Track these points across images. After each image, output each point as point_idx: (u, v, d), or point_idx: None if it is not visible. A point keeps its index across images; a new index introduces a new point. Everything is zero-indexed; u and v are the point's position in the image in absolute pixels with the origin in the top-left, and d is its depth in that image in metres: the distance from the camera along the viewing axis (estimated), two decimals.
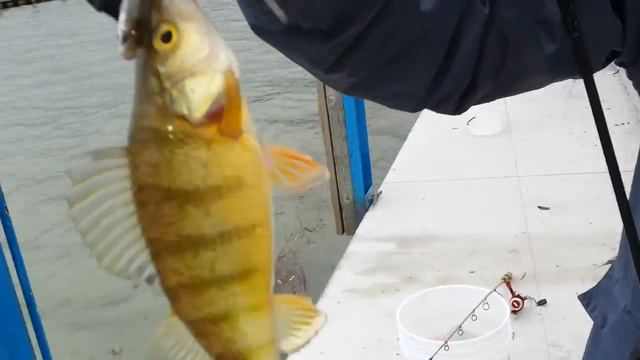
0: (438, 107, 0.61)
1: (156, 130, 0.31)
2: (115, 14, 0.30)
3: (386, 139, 6.35)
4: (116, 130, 7.85)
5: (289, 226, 4.46)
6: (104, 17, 0.31)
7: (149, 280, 0.32)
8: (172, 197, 0.31)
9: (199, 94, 0.31)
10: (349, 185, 3.80)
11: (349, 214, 3.86)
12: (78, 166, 0.30)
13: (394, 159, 4.53)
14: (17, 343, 1.21)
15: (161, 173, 0.31)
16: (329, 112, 3.55)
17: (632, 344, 0.66)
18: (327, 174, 0.36)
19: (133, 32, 0.29)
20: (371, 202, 3.88)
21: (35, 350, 1.29)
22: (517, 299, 2.62)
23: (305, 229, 4.64)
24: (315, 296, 3.01)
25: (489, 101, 0.63)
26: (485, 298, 1.87)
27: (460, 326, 1.80)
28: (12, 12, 29.14)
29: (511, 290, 2.66)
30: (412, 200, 3.87)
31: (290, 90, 9.74)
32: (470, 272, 3.00)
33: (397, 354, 2.32)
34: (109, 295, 4.26)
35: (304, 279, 3.89)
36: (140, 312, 3.92)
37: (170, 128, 0.31)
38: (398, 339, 2.00)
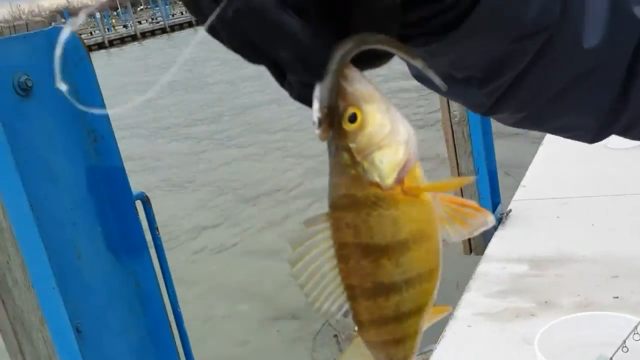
0: (625, 135, 0.56)
1: (352, 196, 0.36)
2: (309, 103, 0.35)
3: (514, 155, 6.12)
4: None
5: None
6: None
7: (345, 315, 0.39)
8: (369, 251, 0.37)
9: (387, 163, 0.36)
10: (475, 202, 3.68)
11: (477, 236, 3.72)
12: (295, 234, 0.36)
13: (521, 169, 4.34)
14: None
15: (359, 232, 0.36)
16: (454, 128, 3.47)
17: None
18: (492, 220, 0.40)
19: (326, 118, 0.34)
20: (500, 220, 3.73)
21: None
22: None
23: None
24: (444, 319, 2.93)
25: None
26: (637, 327, 1.72)
27: (611, 358, 1.66)
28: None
29: None
30: (545, 218, 3.66)
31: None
32: (614, 297, 2.78)
33: None
34: None
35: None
36: None
37: (364, 194, 0.36)
38: None
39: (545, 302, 2.87)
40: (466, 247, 3.78)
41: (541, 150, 4.68)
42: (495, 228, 3.70)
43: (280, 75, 0.35)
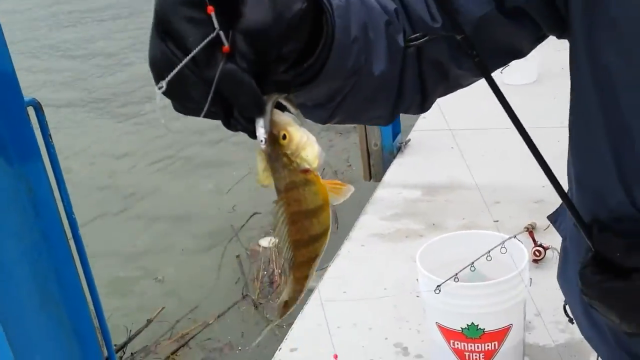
0: (407, 113, 0.83)
1: (293, 182, 0.57)
2: (252, 133, 0.54)
3: None
4: None
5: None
6: None
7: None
8: (306, 214, 0.58)
9: (311, 155, 0.56)
10: (377, 132, 3.82)
11: (377, 161, 3.90)
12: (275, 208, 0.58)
13: None
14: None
15: (300, 203, 0.58)
16: None
17: (584, 252, 0.77)
18: (351, 189, 0.60)
19: (269, 139, 0.54)
20: (399, 149, 3.91)
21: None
22: (539, 248, 2.65)
23: (335, 171, 4.72)
24: (342, 238, 3.10)
25: (448, 93, 0.84)
26: (504, 242, 1.92)
27: (472, 263, 1.85)
28: None
29: (534, 240, 2.70)
30: (440, 148, 3.87)
31: None
32: (495, 220, 3.02)
33: (417, 296, 2.40)
34: None
35: (336, 218, 3.98)
36: None
37: (299, 179, 0.57)
38: (417, 280, 2.06)
39: (433, 224, 3.09)
40: (366, 174, 3.95)
41: None
42: (394, 156, 3.88)
43: (226, 119, 0.54)
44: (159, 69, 0.51)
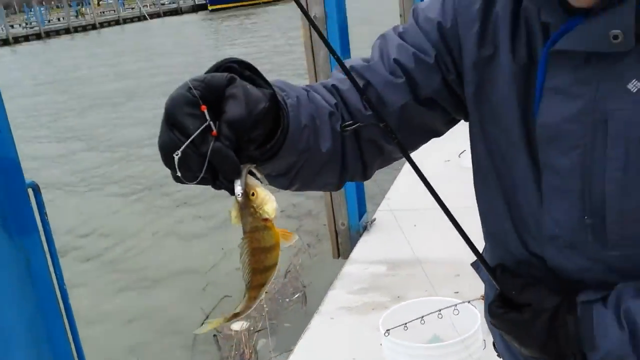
0: (352, 180, 1.01)
1: (256, 226, 0.76)
2: (232, 190, 0.74)
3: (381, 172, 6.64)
4: None
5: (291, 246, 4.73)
6: None
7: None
8: (262, 251, 0.78)
9: (271, 209, 0.76)
10: (344, 212, 4.05)
11: (344, 240, 4.10)
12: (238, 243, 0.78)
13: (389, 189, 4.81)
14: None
15: (259, 241, 0.77)
16: None
17: (494, 291, 0.94)
18: (295, 238, 0.82)
19: (244, 195, 0.74)
20: (365, 228, 4.12)
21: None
22: None
23: (308, 244, 4.92)
24: (312, 312, 3.24)
25: (385, 165, 1.02)
26: (457, 305, 2.10)
27: (423, 317, 2.03)
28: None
29: None
30: (404, 227, 4.08)
31: None
32: (455, 292, 3.21)
33: None
34: None
35: (305, 296, 4.12)
36: None
37: (261, 224, 0.76)
38: (381, 344, 2.22)
39: (398, 296, 3.26)
40: (335, 252, 4.13)
41: (405, 167, 5.18)
42: (360, 235, 4.09)
43: (213, 182, 0.73)
44: (167, 151, 0.71)
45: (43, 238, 1.49)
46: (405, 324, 1.98)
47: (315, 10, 3.57)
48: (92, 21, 51.86)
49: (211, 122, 0.71)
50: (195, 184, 0.74)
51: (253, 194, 0.75)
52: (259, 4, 61.51)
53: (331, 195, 3.97)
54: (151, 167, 8.81)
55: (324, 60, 3.65)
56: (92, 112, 14.82)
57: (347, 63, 0.95)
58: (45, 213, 1.52)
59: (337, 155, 0.93)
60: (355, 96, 0.93)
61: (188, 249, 6.11)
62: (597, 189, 0.79)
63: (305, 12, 0.97)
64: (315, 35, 3.64)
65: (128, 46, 31.56)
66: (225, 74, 0.75)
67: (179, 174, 0.72)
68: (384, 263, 3.68)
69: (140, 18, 55.48)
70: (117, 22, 52.85)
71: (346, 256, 3.94)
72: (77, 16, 54.87)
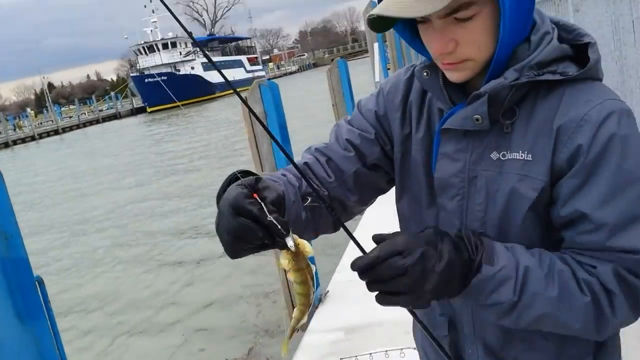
0: (325, 233, 1.29)
1: (303, 264, 1.02)
2: (285, 246, 0.98)
3: (331, 250, 7.04)
4: None
5: (249, 324, 4.95)
6: None
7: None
8: (306, 280, 1.05)
9: (309, 250, 1.00)
10: None
11: None
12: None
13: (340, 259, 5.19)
14: None
15: (305, 274, 1.04)
16: None
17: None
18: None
19: (295, 246, 0.98)
20: (320, 300, 4.44)
21: None
22: None
23: (266, 330, 5.13)
24: None
25: (350, 219, 1.31)
26: (402, 349, 2.45)
27: (371, 353, 2.35)
28: None
29: None
30: (356, 295, 4.44)
31: None
32: (407, 347, 3.55)
33: None
34: None
35: None
36: None
37: (305, 262, 1.02)
38: None
39: (356, 357, 3.56)
40: None
41: (350, 246, 5.59)
42: (316, 307, 4.40)
43: (272, 243, 0.97)
44: (237, 234, 0.96)
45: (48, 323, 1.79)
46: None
47: (256, 110, 4.04)
48: (30, 133, 51.72)
49: (262, 203, 0.97)
50: (255, 251, 1.00)
51: (298, 244, 0.99)
52: (197, 102, 62.92)
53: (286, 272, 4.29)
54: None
55: (268, 152, 4.09)
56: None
57: (312, 146, 1.30)
58: (49, 301, 1.82)
59: (309, 218, 1.22)
60: (321, 169, 1.27)
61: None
62: (469, 223, 1.14)
63: (251, 111, 1.19)
64: (258, 129, 4.10)
65: (71, 153, 31.53)
66: (250, 177, 1.03)
67: (246, 247, 0.98)
68: (340, 330, 3.99)
69: (79, 125, 55.82)
70: (55, 132, 52.86)
71: (304, 328, 4.23)
72: (15, 129, 54.59)
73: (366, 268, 0.96)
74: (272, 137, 1.12)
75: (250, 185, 0.99)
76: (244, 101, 1.25)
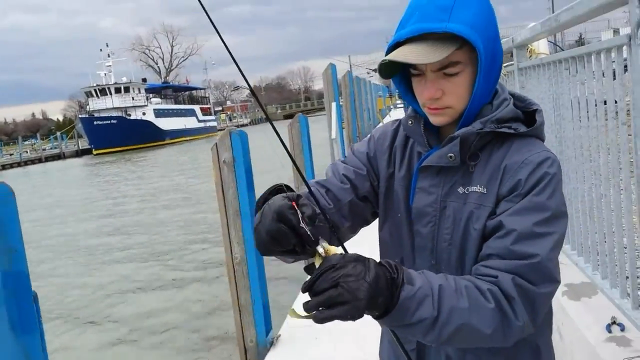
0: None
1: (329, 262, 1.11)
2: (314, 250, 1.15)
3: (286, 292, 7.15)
4: None
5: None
6: None
7: None
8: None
9: (339, 251, 1.14)
10: (252, 330, 4.49)
11: (253, 356, 4.50)
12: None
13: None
14: None
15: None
16: (235, 267, 4.35)
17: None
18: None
19: (325, 253, 1.14)
20: (272, 343, 4.57)
21: None
22: None
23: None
24: None
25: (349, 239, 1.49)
26: None
27: None
28: None
29: None
30: (308, 339, 4.60)
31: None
32: None
33: None
34: None
35: None
36: None
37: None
38: None
39: None
40: None
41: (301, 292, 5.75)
42: (267, 350, 4.52)
43: (302, 251, 1.13)
44: (274, 236, 1.12)
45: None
46: None
47: (225, 156, 4.26)
48: None
49: (300, 216, 1.12)
50: (284, 255, 1.17)
51: (327, 251, 1.13)
52: (146, 147, 62.26)
53: (240, 313, 4.42)
54: None
55: (233, 197, 4.29)
56: None
57: (311, 180, 1.47)
58: (40, 317, 1.95)
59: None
60: (322, 197, 1.47)
61: None
62: (439, 244, 1.39)
63: (280, 139, 1.39)
64: (224, 175, 4.29)
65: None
66: (293, 192, 1.22)
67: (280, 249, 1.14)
68: None
69: (21, 163, 54.29)
70: None
71: None
72: None
73: (309, 286, 1.09)
74: (292, 159, 1.35)
75: (293, 198, 1.17)
76: (275, 128, 1.44)
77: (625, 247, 2.53)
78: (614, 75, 2.33)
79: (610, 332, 2.62)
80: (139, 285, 10.09)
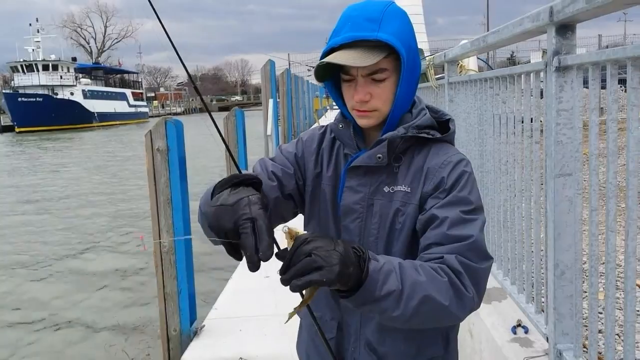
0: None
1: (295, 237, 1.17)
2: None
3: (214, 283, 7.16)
4: None
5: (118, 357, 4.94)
6: None
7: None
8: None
9: (302, 231, 1.21)
10: (176, 319, 4.51)
11: (175, 345, 4.52)
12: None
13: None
14: None
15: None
16: (162, 256, 4.36)
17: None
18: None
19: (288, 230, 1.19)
20: (195, 333, 4.60)
21: None
22: None
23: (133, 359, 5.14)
24: None
25: None
26: None
27: None
28: None
29: None
30: (231, 332, 4.66)
31: None
32: None
33: None
34: None
35: None
36: None
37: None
38: None
39: None
40: (165, 356, 4.52)
41: (230, 282, 5.82)
42: (191, 339, 4.55)
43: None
44: (228, 225, 1.17)
45: None
46: None
47: (159, 144, 4.26)
48: None
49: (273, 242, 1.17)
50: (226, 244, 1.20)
51: (288, 232, 1.18)
52: (73, 129, 60.03)
53: (165, 302, 4.44)
54: None
55: (165, 185, 4.30)
56: None
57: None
58: None
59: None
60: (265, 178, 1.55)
61: None
62: (366, 238, 1.51)
63: (217, 128, 1.54)
64: (157, 163, 4.30)
65: None
66: (259, 194, 1.24)
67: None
68: None
69: None
70: None
71: None
72: None
73: (286, 264, 1.14)
74: (227, 149, 1.48)
75: (265, 205, 1.23)
76: (213, 119, 1.56)
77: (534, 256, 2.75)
78: (541, 94, 2.53)
79: (515, 333, 2.84)
80: (50, 271, 9.80)
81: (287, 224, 1.22)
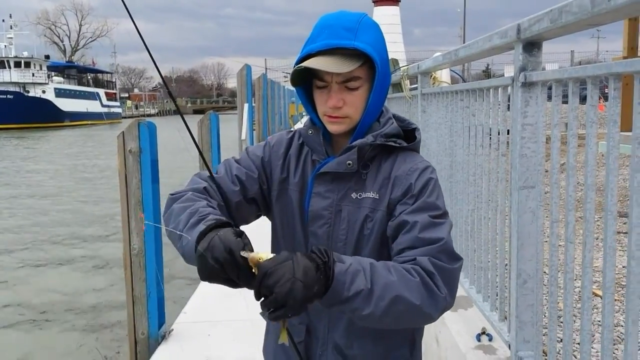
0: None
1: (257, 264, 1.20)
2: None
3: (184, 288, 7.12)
4: None
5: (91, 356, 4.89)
6: None
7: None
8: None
9: (265, 256, 1.21)
10: (144, 322, 4.49)
11: (143, 348, 4.49)
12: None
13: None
14: None
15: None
16: (132, 258, 4.34)
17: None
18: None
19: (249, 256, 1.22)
20: (163, 337, 4.58)
21: None
22: None
23: (105, 357, 5.09)
24: None
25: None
26: None
27: None
28: None
29: None
30: (199, 335, 4.65)
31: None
32: None
33: None
34: None
35: None
36: None
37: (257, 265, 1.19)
38: None
39: None
40: (133, 358, 4.49)
41: (200, 286, 5.80)
42: (159, 343, 4.53)
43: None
44: (223, 266, 1.20)
45: None
46: None
47: (131, 145, 4.25)
48: None
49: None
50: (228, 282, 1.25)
51: (247, 258, 1.20)
52: (43, 127, 59.09)
53: (133, 305, 4.41)
54: None
55: (136, 187, 4.28)
56: None
57: (203, 173, 1.59)
58: None
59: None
60: (215, 194, 1.55)
61: None
62: (334, 243, 1.54)
63: (191, 134, 1.59)
64: (129, 164, 4.29)
65: None
66: (240, 230, 1.28)
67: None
68: None
69: None
70: None
71: None
72: None
73: (256, 296, 1.20)
74: (200, 152, 1.52)
75: (245, 241, 1.25)
76: (186, 123, 1.58)
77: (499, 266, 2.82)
78: (509, 107, 2.61)
79: (479, 341, 2.90)
80: (24, 272, 9.65)
81: (246, 243, 1.24)
